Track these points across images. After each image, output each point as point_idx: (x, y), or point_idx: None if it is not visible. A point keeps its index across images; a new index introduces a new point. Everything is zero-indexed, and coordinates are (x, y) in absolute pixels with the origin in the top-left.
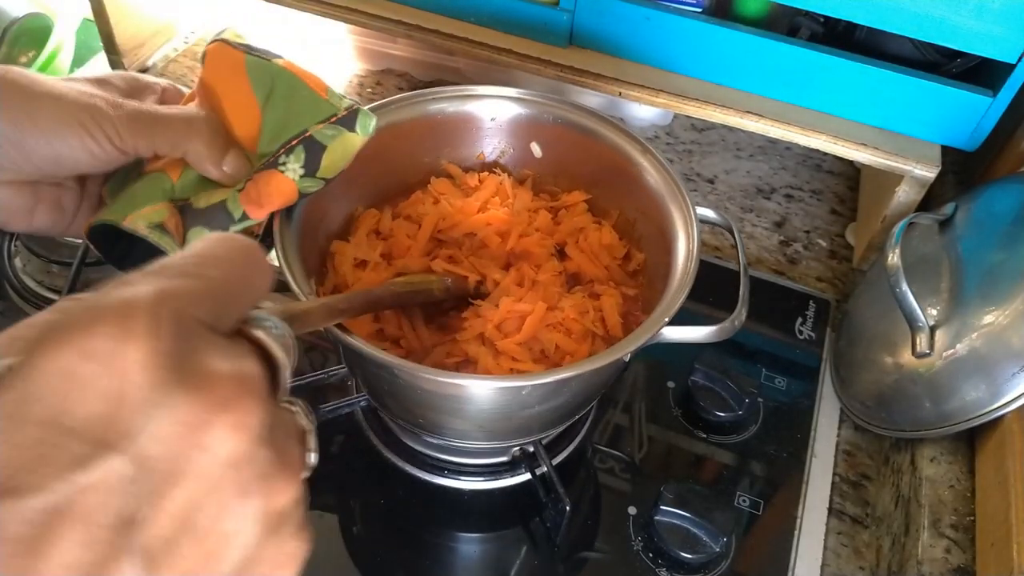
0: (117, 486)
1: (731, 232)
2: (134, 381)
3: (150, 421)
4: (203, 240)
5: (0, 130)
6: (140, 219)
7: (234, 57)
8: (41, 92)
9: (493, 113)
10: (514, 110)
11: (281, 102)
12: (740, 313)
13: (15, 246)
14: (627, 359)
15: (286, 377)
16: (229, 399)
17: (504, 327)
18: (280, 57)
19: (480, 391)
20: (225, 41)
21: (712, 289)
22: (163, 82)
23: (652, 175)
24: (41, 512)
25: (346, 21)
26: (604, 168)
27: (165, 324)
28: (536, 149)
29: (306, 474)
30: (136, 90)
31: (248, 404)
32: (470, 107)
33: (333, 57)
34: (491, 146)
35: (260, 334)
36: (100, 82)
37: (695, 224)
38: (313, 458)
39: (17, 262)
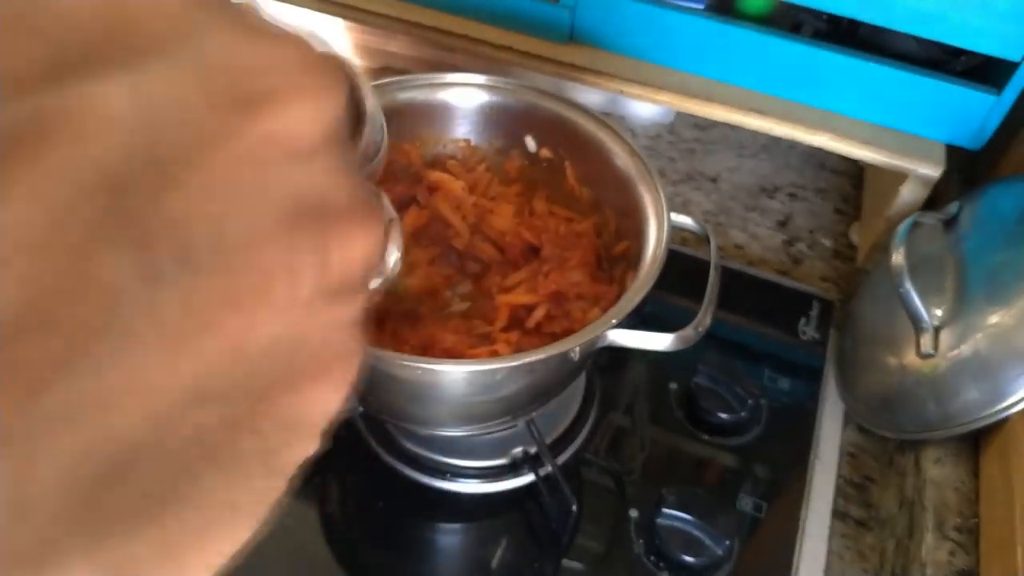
0: (105, 129)
1: (708, 239)
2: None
3: (173, 47)
4: None
5: None
6: None
7: None
8: None
9: (465, 101)
10: (497, 100)
11: None
12: (703, 320)
13: None
14: (576, 357)
15: (370, 131)
16: (297, 57)
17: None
18: None
19: (409, 374)
20: None
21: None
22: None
23: (631, 172)
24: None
25: (344, 18)
26: (588, 162)
27: None
28: (531, 143)
29: (382, 278)
30: None
31: (327, 77)
32: (442, 95)
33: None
34: (471, 134)
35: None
36: None
37: (667, 229)
38: (395, 257)
39: None
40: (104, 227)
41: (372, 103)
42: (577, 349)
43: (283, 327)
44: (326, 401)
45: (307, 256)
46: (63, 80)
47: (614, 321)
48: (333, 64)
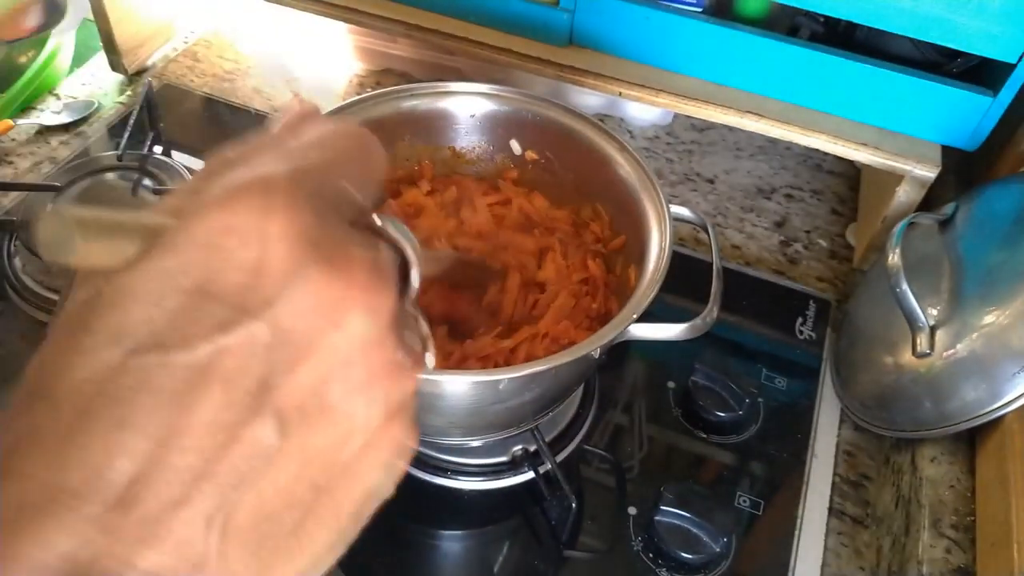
0: (256, 351)
1: (706, 230)
2: (275, 254)
3: (288, 293)
4: (315, 127)
5: None
6: None
7: None
8: None
9: (469, 110)
10: (488, 106)
11: None
12: (711, 311)
13: (15, 246)
14: (597, 355)
15: (415, 278)
16: (366, 282)
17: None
18: None
19: (450, 387)
20: None
21: (704, 286)
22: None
23: (627, 171)
24: (187, 368)
25: (346, 21)
26: (581, 164)
27: (304, 201)
28: (516, 146)
29: (423, 372)
30: None
31: (384, 290)
32: (444, 104)
33: (333, 57)
34: (468, 143)
35: (391, 229)
36: None
37: (668, 221)
38: (431, 360)
39: (17, 262)
40: (256, 406)
41: (415, 255)
42: (598, 349)
43: (361, 440)
44: (377, 476)
45: (377, 402)
46: (228, 328)
47: (634, 316)
48: (384, 273)
